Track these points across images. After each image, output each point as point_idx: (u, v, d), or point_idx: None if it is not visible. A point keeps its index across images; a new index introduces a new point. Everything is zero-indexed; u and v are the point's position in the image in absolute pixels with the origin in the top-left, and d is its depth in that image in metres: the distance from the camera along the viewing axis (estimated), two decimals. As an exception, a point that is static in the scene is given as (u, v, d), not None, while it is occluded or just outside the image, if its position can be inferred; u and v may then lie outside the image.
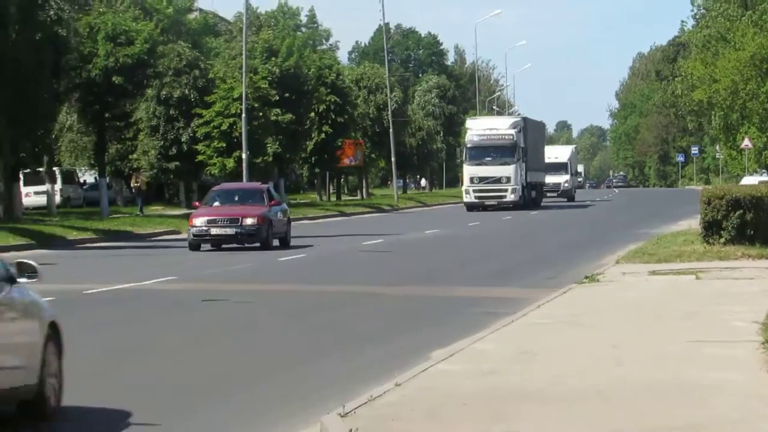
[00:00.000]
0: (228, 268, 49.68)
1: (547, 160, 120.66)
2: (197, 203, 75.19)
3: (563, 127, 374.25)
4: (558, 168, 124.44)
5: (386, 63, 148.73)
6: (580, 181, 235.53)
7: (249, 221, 52.93)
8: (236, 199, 59.01)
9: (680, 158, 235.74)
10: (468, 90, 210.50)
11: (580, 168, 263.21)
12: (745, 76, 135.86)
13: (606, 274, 39.79)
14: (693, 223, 55.99)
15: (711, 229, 48.31)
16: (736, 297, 30.80)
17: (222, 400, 19.55)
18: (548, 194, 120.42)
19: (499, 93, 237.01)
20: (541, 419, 15.97)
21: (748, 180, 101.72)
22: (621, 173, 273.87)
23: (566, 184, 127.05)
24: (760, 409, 16.55)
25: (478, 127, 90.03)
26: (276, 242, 57.40)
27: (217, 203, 59.16)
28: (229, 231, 53.15)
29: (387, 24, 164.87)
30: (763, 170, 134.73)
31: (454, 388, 18.59)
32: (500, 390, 18.31)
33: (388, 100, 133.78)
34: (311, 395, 18.59)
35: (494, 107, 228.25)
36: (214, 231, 54.68)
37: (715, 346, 22.63)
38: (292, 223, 73.34)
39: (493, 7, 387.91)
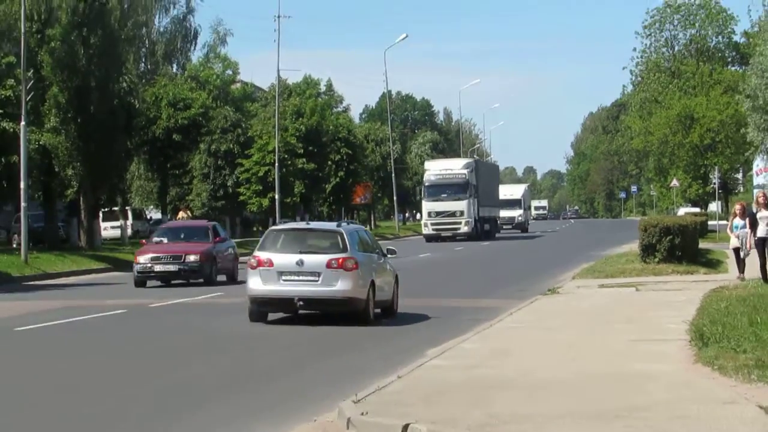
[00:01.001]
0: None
1: (502, 197, 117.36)
2: (143, 241, 65.94)
3: (530, 170, 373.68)
4: (513, 204, 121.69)
5: (389, 122, 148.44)
6: (543, 214, 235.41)
7: (192, 258, 47.58)
8: (182, 236, 52.48)
9: (622, 195, 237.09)
10: (454, 143, 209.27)
11: (545, 203, 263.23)
12: (672, 129, 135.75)
13: (564, 287, 40.10)
14: (633, 247, 55.91)
15: (647, 250, 48.52)
16: (668, 305, 30.98)
17: (277, 379, 20.65)
18: (504, 227, 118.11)
19: (478, 145, 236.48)
20: (513, 403, 16.50)
21: (683, 210, 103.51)
22: (575, 207, 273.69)
23: (520, 218, 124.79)
24: (686, 393, 16.98)
25: (435, 168, 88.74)
26: (223, 278, 50.97)
27: (164, 240, 52.52)
28: (172, 267, 47.27)
29: (389, 91, 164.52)
30: (689, 204, 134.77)
31: (445, 379, 19.02)
32: (481, 380, 18.72)
33: (391, 151, 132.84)
34: (334, 384, 18.80)
35: (475, 156, 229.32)
36: (158, 268, 48.71)
37: (651, 343, 22.92)
38: None
39: (474, 78, 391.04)
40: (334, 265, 32.15)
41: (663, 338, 23.61)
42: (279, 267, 32.55)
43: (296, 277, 32.74)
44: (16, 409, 18.54)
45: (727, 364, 19.08)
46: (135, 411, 18.16)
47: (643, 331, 25.08)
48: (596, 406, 16.04)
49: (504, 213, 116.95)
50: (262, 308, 33.25)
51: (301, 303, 32.64)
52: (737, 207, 39.54)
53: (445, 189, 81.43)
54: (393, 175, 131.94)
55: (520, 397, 16.81)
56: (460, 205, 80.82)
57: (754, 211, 37.29)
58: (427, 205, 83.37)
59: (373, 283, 32.91)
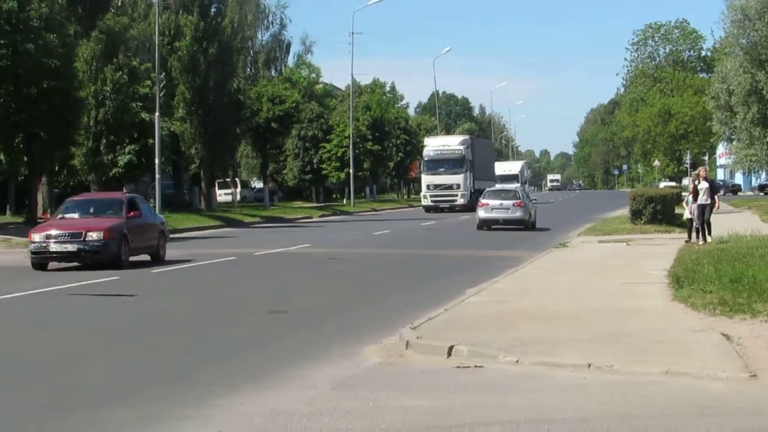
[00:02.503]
0: (339, 238, 48.48)
1: (501, 172, 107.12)
2: (47, 215, 56.42)
3: (545, 152, 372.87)
4: (510, 179, 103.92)
5: (437, 115, 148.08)
6: (557, 186, 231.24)
7: (93, 236, 33.13)
8: (91, 210, 37.42)
9: (616, 172, 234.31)
10: (487, 131, 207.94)
11: (558, 176, 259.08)
12: (654, 122, 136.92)
13: (572, 242, 39.97)
14: (624, 212, 55.44)
15: (635, 214, 48.31)
16: (651, 256, 30.76)
17: (353, 311, 20.47)
18: None
19: (505, 132, 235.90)
20: (532, 330, 16.48)
21: (663, 184, 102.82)
22: (579, 181, 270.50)
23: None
24: (665, 324, 16.96)
25: (434, 144, 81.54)
26: (145, 258, 36.40)
27: (71, 215, 37.02)
28: (70, 247, 33.36)
29: (437, 91, 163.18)
30: (667, 179, 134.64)
31: (480, 311, 19.01)
32: (508, 313, 18.68)
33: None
34: (395, 314, 18.77)
35: (503, 141, 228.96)
36: (54, 247, 34.11)
37: (638, 285, 22.79)
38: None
39: (503, 81, 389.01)
40: (516, 204, 53.73)
41: (647, 281, 23.46)
42: (491, 205, 53.86)
43: (498, 211, 53.48)
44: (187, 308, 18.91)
45: (697, 302, 19.00)
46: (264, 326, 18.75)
47: (632, 276, 24.95)
48: (594, 332, 16.02)
49: (503, 187, 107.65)
50: (483, 226, 53.44)
51: (501, 221, 53.41)
52: (691, 186, 39.29)
53: (442, 164, 74.71)
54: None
55: (537, 325, 16.80)
56: (457, 179, 74.79)
57: (696, 183, 37.08)
58: (426, 179, 77.08)
59: (530, 213, 54.48)
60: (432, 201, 73.78)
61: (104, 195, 44.89)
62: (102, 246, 32.90)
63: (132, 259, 33.86)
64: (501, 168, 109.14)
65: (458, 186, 73.19)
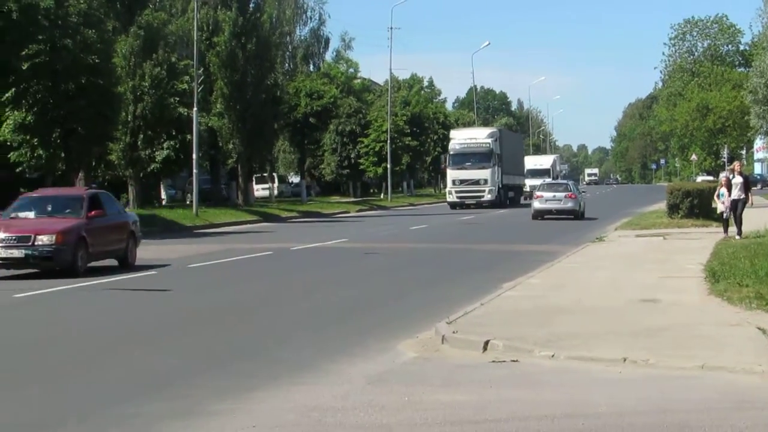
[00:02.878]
0: (376, 233, 47.98)
1: (532, 167, 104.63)
2: None
3: (582, 147, 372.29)
4: (542, 173, 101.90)
5: (474, 110, 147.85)
6: (595, 179, 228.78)
7: (44, 239, 28.54)
8: (48, 208, 32.68)
9: (654, 166, 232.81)
10: (525, 126, 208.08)
11: (596, 170, 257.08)
12: (692, 117, 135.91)
13: (608, 236, 39.92)
14: (661, 206, 55.43)
15: (672, 209, 48.22)
16: (688, 250, 30.69)
17: (389, 306, 20.44)
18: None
19: (543, 127, 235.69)
20: (568, 324, 16.48)
21: (700, 178, 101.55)
22: (616, 176, 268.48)
23: None
24: (702, 318, 16.94)
25: (460, 137, 75.25)
26: (112, 262, 31.82)
27: (24, 214, 32.58)
28: (17, 253, 28.30)
29: (475, 86, 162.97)
30: (704, 173, 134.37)
31: (516, 306, 19.04)
32: (544, 307, 18.68)
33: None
34: (431, 309, 18.77)
35: (541, 136, 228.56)
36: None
37: (674, 279, 22.76)
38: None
39: (541, 76, 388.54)
40: (568, 196, 57.71)
41: (684, 276, 23.45)
42: (546, 197, 57.92)
43: (552, 202, 57.11)
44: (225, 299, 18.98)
45: (733, 296, 18.98)
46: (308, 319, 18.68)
47: (668, 270, 24.92)
48: (631, 326, 16.00)
49: (534, 181, 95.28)
50: (538, 216, 56.84)
51: (555, 212, 56.64)
52: (723, 179, 39.32)
53: (469, 158, 69.97)
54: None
55: (573, 320, 16.78)
56: (484, 174, 69.37)
57: (730, 178, 37.07)
58: (451, 174, 71.55)
59: (580, 204, 58.43)
60: (458, 197, 70.00)
61: (63, 191, 38.94)
62: (54, 252, 28.12)
63: (94, 264, 30.12)
64: (532, 162, 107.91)
65: (485, 181, 69.53)
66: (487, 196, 68.12)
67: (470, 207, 68.79)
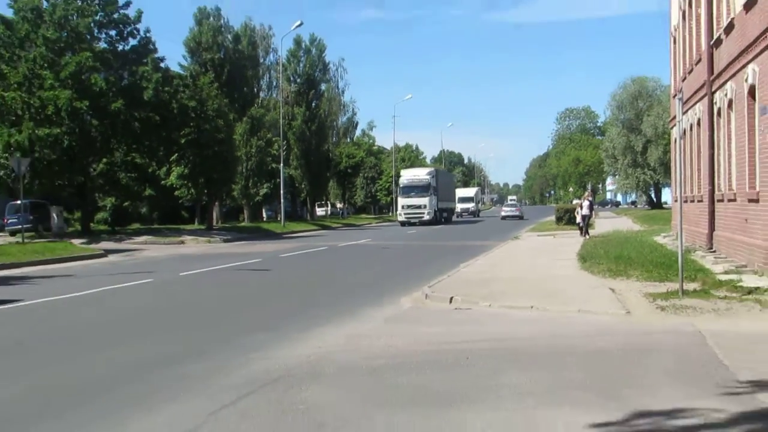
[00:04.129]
0: (387, 235, 47.23)
1: (462, 195, 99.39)
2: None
3: (505, 184, 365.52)
4: (468, 200, 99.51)
5: (443, 163, 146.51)
6: (513, 203, 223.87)
7: None
8: None
9: (548, 194, 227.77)
10: (472, 172, 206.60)
11: (514, 197, 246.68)
12: (570, 165, 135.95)
13: (521, 236, 39.48)
14: (552, 218, 55.25)
15: (558, 219, 48.32)
16: (568, 244, 30.38)
17: (399, 276, 19.73)
18: (463, 214, 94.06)
19: (483, 172, 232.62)
20: (499, 287, 16.35)
21: (575, 201, 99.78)
22: (525, 200, 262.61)
23: (473, 208, 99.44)
24: (576, 282, 16.83)
25: (408, 175, 67.55)
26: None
27: None
28: None
29: (443, 149, 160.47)
30: (577, 198, 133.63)
31: (468, 277, 18.91)
32: (485, 278, 18.54)
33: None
34: (420, 280, 18.69)
35: (481, 177, 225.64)
36: None
37: (560, 261, 22.56)
38: None
39: (482, 142, 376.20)
40: (517, 209, 66.84)
41: (566, 258, 23.27)
42: (506, 210, 64.50)
43: (510, 211, 68.15)
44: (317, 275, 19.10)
45: (594, 270, 18.93)
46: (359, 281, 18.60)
47: (557, 256, 24.78)
48: (535, 288, 15.91)
49: (463, 205, 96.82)
50: (505, 218, 63.94)
51: (511, 216, 64.62)
52: (579, 202, 40.15)
53: (413, 189, 63.07)
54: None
55: (502, 285, 16.68)
56: (424, 201, 62.57)
57: (582, 202, 37.56)
58: (401, 201, 64.36)
59: (522, 213, 59.15)
60: (405, 217, 62.80)
61: None
62: None
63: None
64: (462, 192, 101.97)
65: (425, 206, 62.51)
66: (426, 217, 61.74)
67: (415, 224, 61.39)
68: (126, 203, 58.38)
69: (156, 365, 9.70)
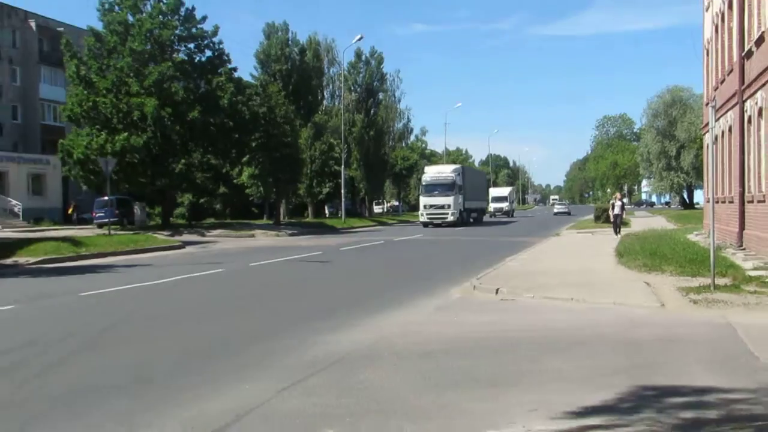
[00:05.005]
0: (438, 231, 46.57)
1: (496, 195, 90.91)
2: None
3: (548, 185, 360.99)
4: (502, 199, 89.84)
5: (490, 166, 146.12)
6: (556, 200, 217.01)
7: None
8: None
9: (587, 195, 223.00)
10: (516, 174, 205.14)
11: (557, 196, 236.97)
12: (608, 168, 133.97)
13: (562, 233, 39.28)
14: (590, 217, 54.80)
15: (597, 218, 47.78)
16: (606, 241, 30.09)
17: (448, 270, 19.63)
18: (496, 214, 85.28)
19: (527, 175, 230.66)
20: (541, 279, 16.26)
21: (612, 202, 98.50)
22: (566, 201, 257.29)
23: (506, 207, 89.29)
24: (613, 275, 16.64)
25: (431, 172, 57.88)
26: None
27: None
28: None
29: (490, 153, 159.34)
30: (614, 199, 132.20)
31: (513, 270, 18.82)
32: (528, 271, 18.46)
33: (490, 178, 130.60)
34: (468, 271, 18.64)
35: (525, 179, 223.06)
36: None
37: (599, 256, 22.41)
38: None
39: (526, 147, 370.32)
40: (566, 206, 62.96)
41: (604, 254, 23.08)
42: (557, 207, 57.60)
43: (560, 208, 61.52)
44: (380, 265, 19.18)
45: (631, 264, 18.70)
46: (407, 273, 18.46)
47: (596, 251, 24.56)
48: (575, 281, 15.77)
49: (496, 205, 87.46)
50: (557, 214, 57.66)
51: (561, 213, 58.53)
52: (612, 202, 39.27)
53: (437, 187, 53.56)
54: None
55: (544, 278, 16.56)
56: (448, 200, 52.73)
57: (614, 202, 37.04)
58: (423, 200, 54.60)
59: (570, 209, 57.98)
60: (428, 218, 52.98)
61: None
62: None
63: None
64: (495, 192, 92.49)
65: (449, 206, 52.63)
66: (450, 218, 52.06)
67: (439, 225, 52.16)
68: (202, 200, 59.28)
69: (233, 343, 9.84)
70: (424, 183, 54.48)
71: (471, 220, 57.97)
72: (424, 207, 53.27)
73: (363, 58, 77.88)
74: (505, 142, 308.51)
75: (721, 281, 14.60)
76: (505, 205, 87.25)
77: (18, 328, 11.49)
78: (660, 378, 7.65)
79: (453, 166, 57.53)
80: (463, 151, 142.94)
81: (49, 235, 33.88)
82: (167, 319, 12.32)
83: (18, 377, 8.23)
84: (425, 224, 52.85)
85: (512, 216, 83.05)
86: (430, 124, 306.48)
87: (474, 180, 61.94)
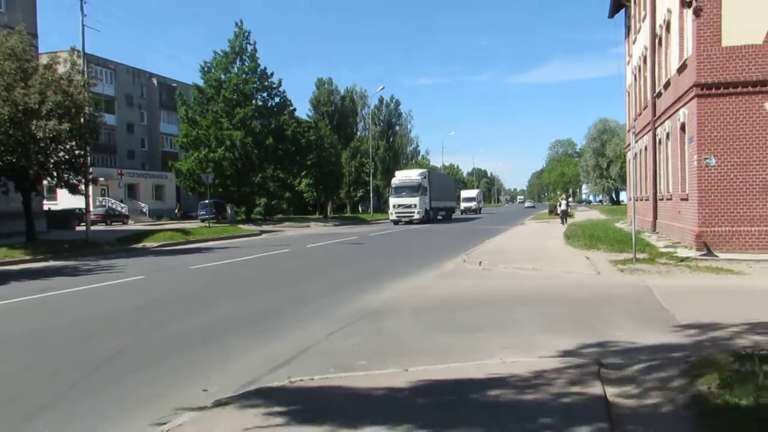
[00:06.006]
0: (431, 222, 46.44)
1: (466, 195, 73.98)
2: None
3: (515, 189, 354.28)
4: (471, 199, 71.67)
5: (474, 177, 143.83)
6: (522, 200, 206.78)
7: None
8: None
9: (542, 196, 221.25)
10: (492, 183, 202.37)
11: (522, 197, 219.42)
12: (558, 177, 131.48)
13: (525, 222, 38.69)
14: (546, 211, 53.87)
15: (550, 212, 46.75)
16: (556, 228, 29.56)
17: (445, 248, 19.23)
18: (466, 212, 69.72)
19: (502, 182, 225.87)
20: (510, 255, 15.96)
21: (561, 201, 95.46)
22: (529, 200, 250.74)
23: (474, 206, 70.81)
24: (562, 252, 16.36)
25: (400, 176, 46.63)
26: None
27: None
28: None
29: (474, 167, 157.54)
30: (562, 199, 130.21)
31: (490, 249, 18.48)
32: (501, 250, 18.14)
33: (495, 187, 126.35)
34: (460, 249, 18.45)
35: (497, 185, 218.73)
36: None
37: (552, 239, 22.00)
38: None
39: (499, 161, 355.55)
40: (531, 203, 57.57)
41: (555, 237, 22.66)
42: (526, 203, 53.22)
43: (527, 203, 55.87)
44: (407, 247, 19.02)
45: (575, 244, 18.39)
46: (424, 252, 17.99)
47: (549, 235, 24.16)
48: (535, 256, 15.50)
49: (466, 204, 71.00)
50: (528, 208, 45.99)
51: (527, 207, 49.00)
52: (559, 201, 37.97)
53: (404, 189, 43.73)
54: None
55: (513, 254, 16.32)
56: (414, 200, 43.18)
57: (562, 199, 36.21)
58: (392, 200, 44.34)
59: (534, 207, 47.37)
60: (396, 216, 43.37)
61: None
62: None
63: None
64: (465, 193, 76.92)
65: (415, 206, 43.00)
66: (416, 216, 42.57)
67: (409, 223, 42.45)
68: (273, 202, 59.26)
69: (295, 302, 9.80)
70: (393, 185, 44.17)
71: (439, 217, 47.79)
72: (393, 206, 43.20)
73: (384, 102, 78.17)
74: (484, 158, 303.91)
75: (640, 256, 14.39)
76: (473, 204, 72.88)
77: (148, 290, 11.57)
78: (598, 324, 7.54)
79: (419, 170, 46.36)
80: (456, 166, 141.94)
81: (166, 227, 34.10)
82: (252, 284, 12.31)
83: (152, 321, 8.33)
84: (395, 222, 42.63)
85: (479, 212, 71.73)
86: (431, 146, 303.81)
87: (441, 182, 50.94)
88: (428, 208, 43.91)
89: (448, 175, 77.84)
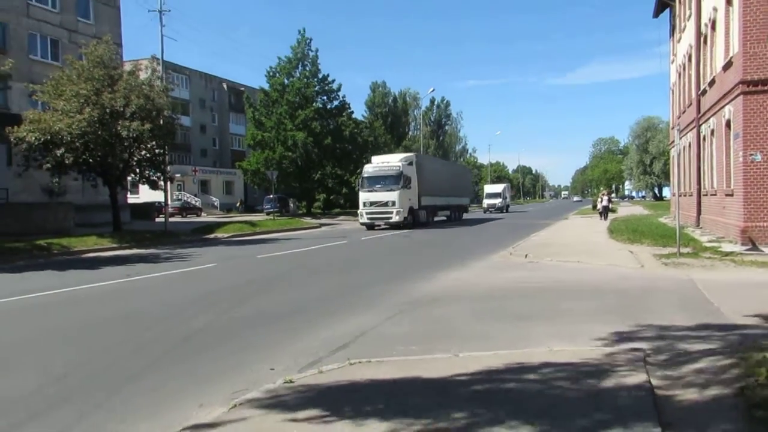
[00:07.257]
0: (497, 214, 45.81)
1: (490, 191, 58.52)
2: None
3: (560, 185, 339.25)
4: (496, 196, 56.35)
5: (520, 173, 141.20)
6: (565, 195, 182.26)
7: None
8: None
9: (586, 191, 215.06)
10: (537, 179, 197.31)
11: (566, 192, 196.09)
12: (601, 174, 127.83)
13: (569, 217, 37.76)
14: (590, 206, 52.45)
15: (594, 207, 45.05)
16: (600, 224, 28.84)
17: (492, 242, 19.03)
18: (489, 210, 54.88)
19: (546, 178, 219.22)
20: (556, 249, 15.72)
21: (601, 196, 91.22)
22: (574, 196, 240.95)
23: (500, 203, 55.23)
24: (607, 246, 15.98)
25: (374, 162, 29.10)
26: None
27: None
28: None
29: (519, 164, 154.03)
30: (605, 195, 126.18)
31: (536, 242, 18.37)
32: (546, 243, 17.87)
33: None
34: (507, 243, 18.23)
35: (542, 181, 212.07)
36: None
37: (596, 233, 21.52)
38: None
39: (544, 159, 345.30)
40: (579, 198, 54.44)
41: (599, 231, 22.09)
42: (572, 198, 50.91)
43: (576, 198, 47.00)
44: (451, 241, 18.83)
45: (618, 239, 17.81)
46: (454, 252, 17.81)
47: (593, 230, 23.51)
48: (579, 249, 15.12)
49: (490, 201, 56.28)
50: (576, 203, 41.19)
51: (575, 201, 45.91)
52: (600, 196, 36.13)
53: (379, 180, 27.01)
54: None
55: (558, 247, 15.98)
56: (392, 196, 26.70)
57: (603, 195, 34.58)
58: (362, 196, 27.32)
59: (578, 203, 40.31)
60: (368, 218, 27.39)
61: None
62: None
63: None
64: (489, 188, 61.09)
65: (393, 203, 26.93)
66: (395, 218, 27.06)
67: (381, 228, 27.62)
68: (331, 197, 59.75)
69: (353, 289, 9.89)
70: (364, 175, 28.14)
71: (432, 220, 32.30)
72: (363, 205, 27.77)
73: (435, 103, 77.85)
74: (529, 155, 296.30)
75: (684, 250, 13.82)
76: (498, 201, 56.71)
77: (219, 278, 11.88)
78: (642, 315, 7.30)
79: (403, 155, 30.14)
80: (501, 163, 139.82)
81: (235, 220, 34.87)
82: (314, 272, 12.46)
83: (223, 306, 8.53)
84: (367, 227, 27.91)
85: (506, 211, 55.74)
86: (478, 144, 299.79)
87: (442, 172, 34.51)
88: (416, 206, 29.04)
89: (456, 162, 62.51)
